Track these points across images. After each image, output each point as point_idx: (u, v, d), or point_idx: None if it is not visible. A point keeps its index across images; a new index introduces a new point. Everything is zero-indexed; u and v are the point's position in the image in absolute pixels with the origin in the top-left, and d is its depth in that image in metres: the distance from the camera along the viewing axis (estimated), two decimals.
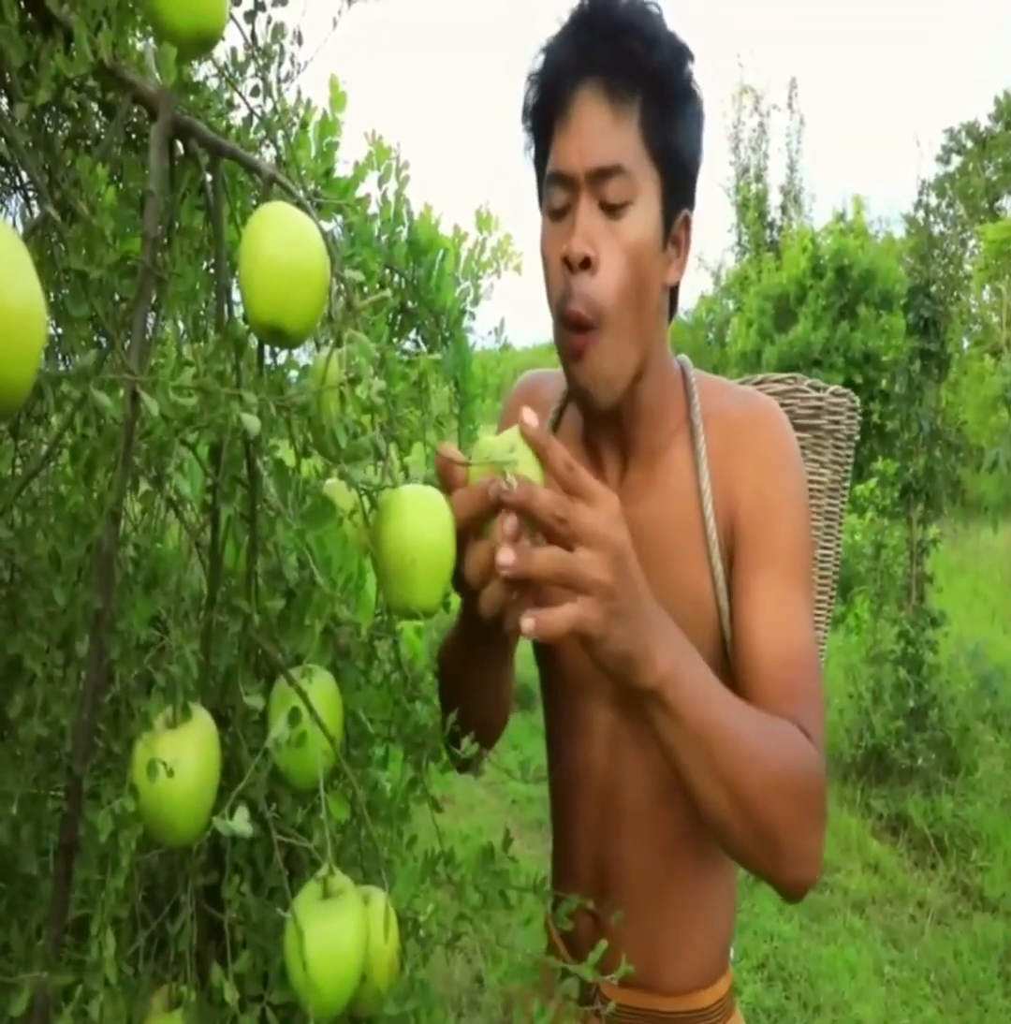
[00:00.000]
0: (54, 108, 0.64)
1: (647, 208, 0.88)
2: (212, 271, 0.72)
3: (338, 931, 0.59)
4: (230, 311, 0.71)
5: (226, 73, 0.79)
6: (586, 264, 0.86)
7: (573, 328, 0.87)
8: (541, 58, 0.92)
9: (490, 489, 0.67)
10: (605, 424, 0.98)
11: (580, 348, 0.88)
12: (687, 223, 0.93)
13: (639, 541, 0.97)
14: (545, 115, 0.91)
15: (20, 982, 0.52)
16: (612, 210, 0.87)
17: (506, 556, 0.67)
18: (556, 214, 0.90)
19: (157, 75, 0.68)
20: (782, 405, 1.11)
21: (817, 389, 1.18)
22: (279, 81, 0.79)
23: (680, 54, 0.89)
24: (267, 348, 0.72)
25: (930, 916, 3.42)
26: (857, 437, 1.22)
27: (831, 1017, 2.88)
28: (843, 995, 2.97)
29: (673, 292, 0.97)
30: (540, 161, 0.94)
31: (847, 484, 1.22)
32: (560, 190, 0.89)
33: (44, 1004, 0.58)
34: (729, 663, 0.93)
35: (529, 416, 0.67)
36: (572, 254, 0.86)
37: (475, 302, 2.14)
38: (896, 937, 3.32)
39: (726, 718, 0.74)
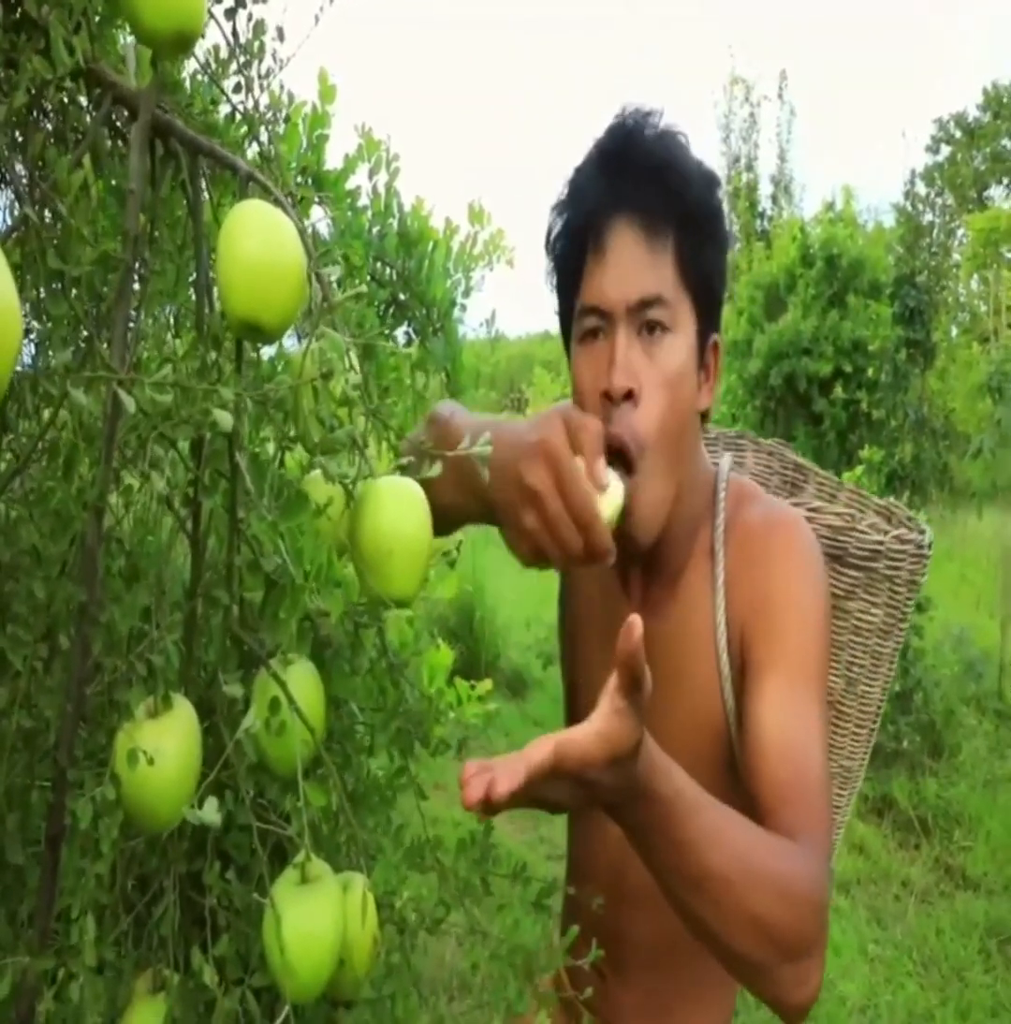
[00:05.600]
0: (34, 108, 0.65)
1: (684, 337, 0.88)
2: (193, 267, 0.73)
3: (315, 916, 0.60)
4: (211, 307, 0.72)
5: (208, 70, 0.80)
6: (628, 396, 0.85)
7: (613, 453, 0.83)
8: (568, 189, 0.92)
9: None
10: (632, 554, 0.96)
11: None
12: (716, 348, 0.94)
13: (653, 655, 0.95)
14: (577, 247, 0.90)
15: (3, 966, 0.54)
16: (651, 339, 0.87)
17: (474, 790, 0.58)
18: (591, 342, 0.89)
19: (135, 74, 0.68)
20: (836, 541, 1.07)
21: (876, 531, 1.10)
22: (260, 77, 0.79)
23: (711, 184, 0.90)
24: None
25: (913, 895, 3.46)
26: (922, 578, 1.14)
27: None
28: (828, 973, 3.00)
29: (703, 416, 0.97)
30: (566, 294, 0.93)
31: (904, 625, 1.16)
32: (596, 320, 0.88)
33: (30, 988, 0.59)
34: (737, 782, 0.91)
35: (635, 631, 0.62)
36: (614, 389, 0.85)
37: (467, 294, 2.15)
38: (880, 916, 3.36)
39: (717, 864, 0.70)
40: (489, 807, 0.57)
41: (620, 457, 0.84)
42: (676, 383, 0.87)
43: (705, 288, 0.90)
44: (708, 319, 0.92)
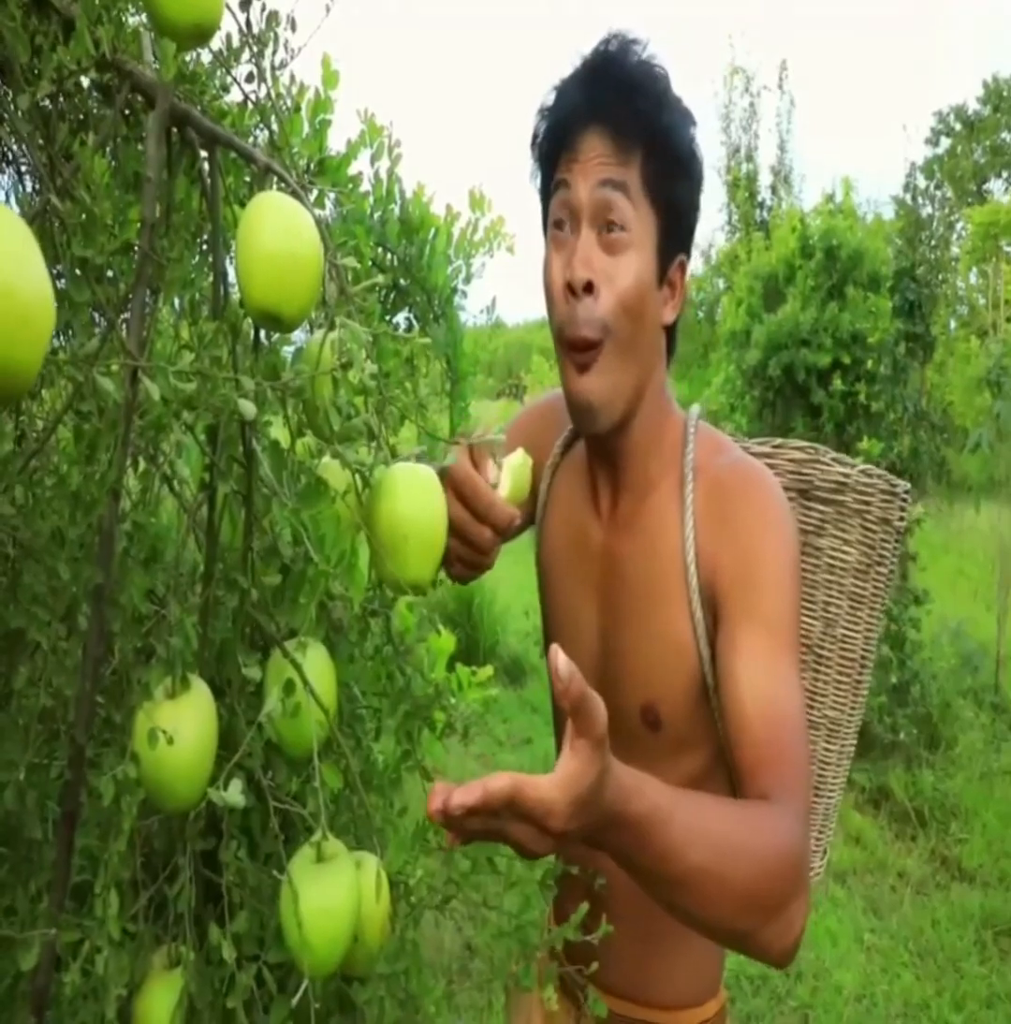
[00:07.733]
0: (55, 93, 0.66)
1: (643, 245, 0.92)
2: (209, 255, 0.74)
3: (331, 893, 0.62)
4: (226, 295, 0.72)
5: (221, 59, 0.80)
6: (589, 288, 0.90)
7: (580, 349, 0.91)
8: (552, 95, 0.96)
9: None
10: (601, 457, 1.03)
11: (586, 363, 0.92)
12: (682, 268, 0.97)
13: (623, 573, 1.01)
14: (552, 148, 0.94)
15: (30, 938, 0.55)
16: (610, 237, 0.91)
17: (435, 802, 0.60)
18: (557, 234, 0.94)
19: (154, 62, 0.69)
20: (800, 474, 1.11)
21: (841, 464, 1.11)
22: (273, 68, 0.80)
23: (685, 118, 0.93)
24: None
25: (910, 886, 3.48)
26: (901, 524, 1.14)
27: (812, 983, 2.94)
28: (824, 962, 3.03)
29: (670, 337, 1.01)
30: (545, 193, 0.98)
31: (884, 570, 1.15)
32: (563, 218, 0.93)
33: (50, 960, 0.60)
34: (709, 708, 0.96)
35: (564, 667, 0.60)
36: (575, 279, 0.90)
37: (467, 280, 2.15)
38: (876, 906, 3.38)
39: (690, 864, 0.70)
40: (448, 820, 0.59)
41: (584, 348, 0.91)
42: (635, 280, 0.91)
43: (671, 210, 0.93)
44: (675, 239, 0.95)
